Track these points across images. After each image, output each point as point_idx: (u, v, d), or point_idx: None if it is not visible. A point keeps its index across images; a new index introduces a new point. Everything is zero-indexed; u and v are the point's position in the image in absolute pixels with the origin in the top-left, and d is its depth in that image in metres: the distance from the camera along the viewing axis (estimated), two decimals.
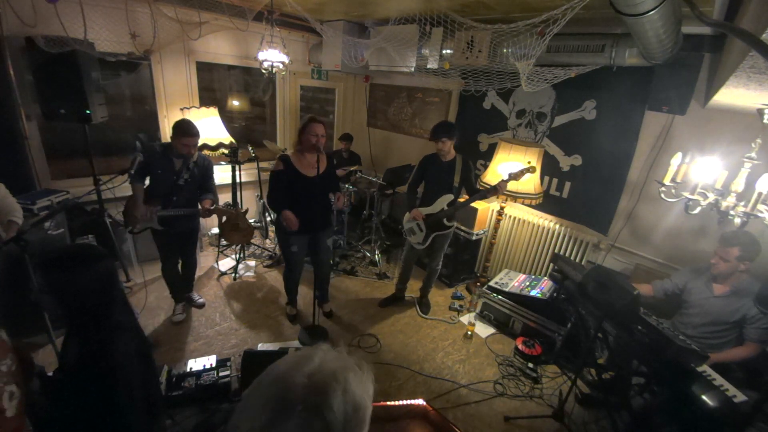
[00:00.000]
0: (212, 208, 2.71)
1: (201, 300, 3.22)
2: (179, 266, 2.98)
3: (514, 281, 3.27)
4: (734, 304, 2.20)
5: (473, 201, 2.96)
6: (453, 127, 2.88)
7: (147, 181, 2.69)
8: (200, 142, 3.56)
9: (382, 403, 1.80)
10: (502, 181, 2.80)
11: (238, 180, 3.69)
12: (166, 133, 3.79)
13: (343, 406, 0.58)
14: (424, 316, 3.38)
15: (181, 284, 3.12)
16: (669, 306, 2.62)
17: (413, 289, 3.61)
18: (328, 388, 0.58)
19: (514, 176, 2.79)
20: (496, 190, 2.79)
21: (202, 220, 3.16)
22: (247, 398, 0.60)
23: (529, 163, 2.92)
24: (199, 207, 2.72)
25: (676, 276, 2.55)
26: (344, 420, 0.58)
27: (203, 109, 3.70)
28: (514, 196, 3.17)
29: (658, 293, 2.57)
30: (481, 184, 3.35)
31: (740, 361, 2.17)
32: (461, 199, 3.01)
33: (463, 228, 3.78)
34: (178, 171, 2.64)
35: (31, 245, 1.79)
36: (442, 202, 2.97)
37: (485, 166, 3.85)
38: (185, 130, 2.52)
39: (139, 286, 3.30)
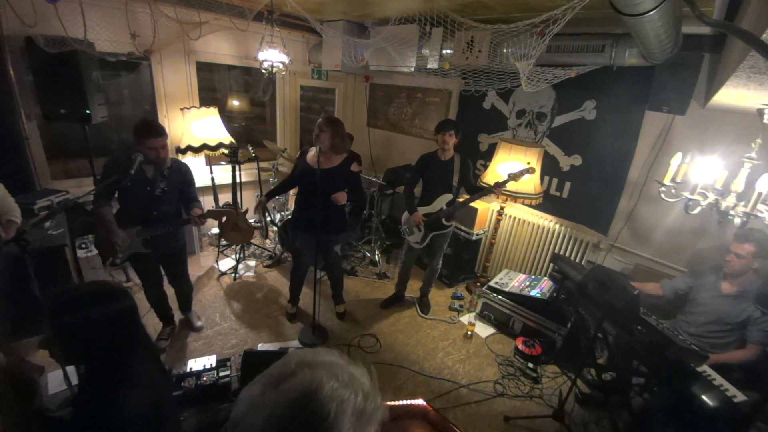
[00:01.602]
0: (204, 213, 2.42)
1: (200, 323, 2.93)
2: (171, 284, 2.73)
3: (514, 281, 3.27)
4: (740, 305, 2.22)
5: (472, 200, 2.97)
6: (460, 126, 2.89)
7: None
8: (200, 143, 3.59)
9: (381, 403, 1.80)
10: (501, 182, 2.80)
11: (238, 180, 3.69)
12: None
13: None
14: (424, 316, 3.38)
15: (179, 303, 2.87)
16: (675, 307, 2.61)
17: (413, 288, 3.61)
18: (325, 409, 0.56)
19: (513, 177, 2.79)
20: (493, 190, 2.79)
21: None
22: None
23: (528, 163, 2.92)
24: (189, 216, 2.43)
25: (686, 275, 2.57)
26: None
27: (203, 109, 3.70)
28: (514, 196, 3.17)
29: (667, 292, 2.57)
30: (481, 183, 3.35)
31: (741, 363, 2.18)
32: (460, 199, 3.01)
33: (463, 228, 3.78)
34: (152, 180, 2.28)
35: (31, 245, 1.79)
36: (441, 201, 2.97)
37: (485, 166, 3.85)
38: (150, 130, 2.16)
39: (140, 286, 3.29)
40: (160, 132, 2.20)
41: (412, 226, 3.08)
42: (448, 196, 2.97)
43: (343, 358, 0.64)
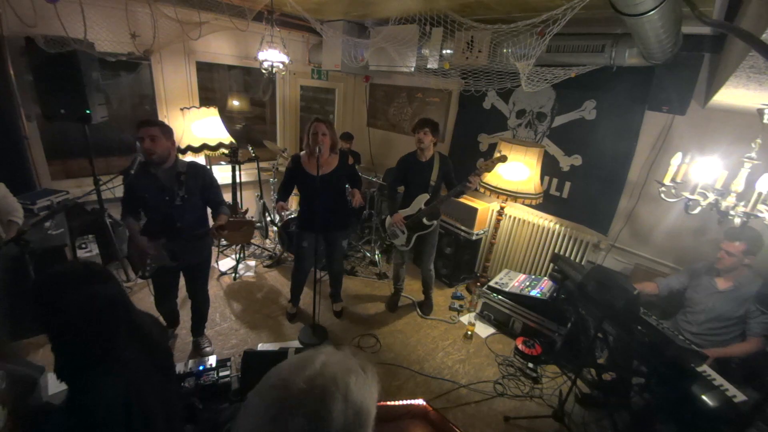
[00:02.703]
0: (224, 224, 2.19)
1: (209, 348, 2.72)
2: (190, 296, 2.62)
3: (514, 281, 3.27)
4: (738, 299, 2.24)
5: (449, 197, 2.92)
6: (436, 125, 2.90)
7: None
8: (200, 143, 3.58)
9: (382, 403, 1.80)
10: (476, 173, 2.75)
11: (238, 180, 3.69)
12: None
13: (344, 412, 0.57)
14: (423, 316, 3.37)
15: (193, 325, 2.72)
16: (670, 305, 2.62)
17: (413, 289, 3.61)
18: (327, 393, 0.58)
19: (486, 167, 2.76)
20: (468, 185, 2.74)
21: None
22: (250, 400, 0.61)
23: (500, 152, 2.89)
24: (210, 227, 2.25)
25: (680, 273, 2.58)
26: (344, 425, 0.57)
27: (203, 109, 3.70)
28: (514, 196, 3.17)
29: (663, 290, 2.59)
30: (481, 184, 3.35)
31: (743, 356, 2.19)
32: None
33: (463, 228, 3.78)
34: (169, 189, 2.17)
35: (31, 245, 1.79)
36: (419, 202, 2.97)
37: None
38: (140, 121, 2.11)
39: (140, 285, 3.29)
40: (151, 122, 2.13)
41: (396, 230, 3.10)
42: (425, 196, 2.96)
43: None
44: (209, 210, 2.41)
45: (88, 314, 0.99)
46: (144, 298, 3.11)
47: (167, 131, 2.18)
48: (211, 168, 3.77)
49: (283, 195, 2.80)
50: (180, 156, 3.62)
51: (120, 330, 1.05)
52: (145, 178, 2.11)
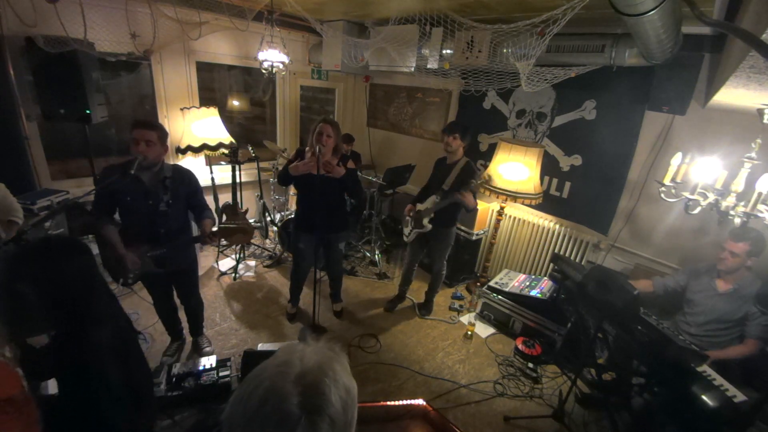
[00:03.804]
0: (215, 231, 2.14)
1: (209, 348, 2.73)
2: (181, 301, 2.59)
3: (514, 281, 3.27)
4: (738, 301, 2.23)
5: (441, 206, 2.91)
6: (466, 129, 2.89)
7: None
8: (200, 143, 3.58)
9: (382, 403, 1.80)
10: (460, 192, 2.79)
11: (238, 180, 3.69)
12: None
13: (339, 395, 0.59)
14: (422, 317, 3.37)
15: (190, 326, 2.71)
16: (669, 304, 2.63)
17: (412, 289, 3.60)
18: (321, 385, 0.58)
19: (471, 189, 2.82)
20: (460, 199, 2.79)
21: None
22: (233, 420, 0.58)
23: (484, 177, 3.01)
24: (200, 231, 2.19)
25: (678, 273, 2.58)
26: (342, 407, 0.59)
27: (203, 109, 3.70)
28: (514, 196, 3.17)
29: (658, 289, 2.59)
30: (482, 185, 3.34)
31: (741, 358, 2.18)
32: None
33: (463, 228, 3.78)
34: (154, 193, 2.08)
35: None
36: (429, 202, 3.00)
37: (485, 166, 3.85)
38: (135, 121, 2.02)
39: (140, 285, 3.28)
40: (147, 124, 2.02)
41: (408, 220, 3.15)
42: (434, 198, 2.98)
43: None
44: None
45: (75, 278, 1.16)
46: (139, 302, 3.09)
47: (164, 136, 2.09)
48: (211, 168, 3.79)
49: (283, 177, 2.71)
50: (180, 156, 3.70)
51: (98, 289, 1.25)
52: (129, 181, 1.93)
